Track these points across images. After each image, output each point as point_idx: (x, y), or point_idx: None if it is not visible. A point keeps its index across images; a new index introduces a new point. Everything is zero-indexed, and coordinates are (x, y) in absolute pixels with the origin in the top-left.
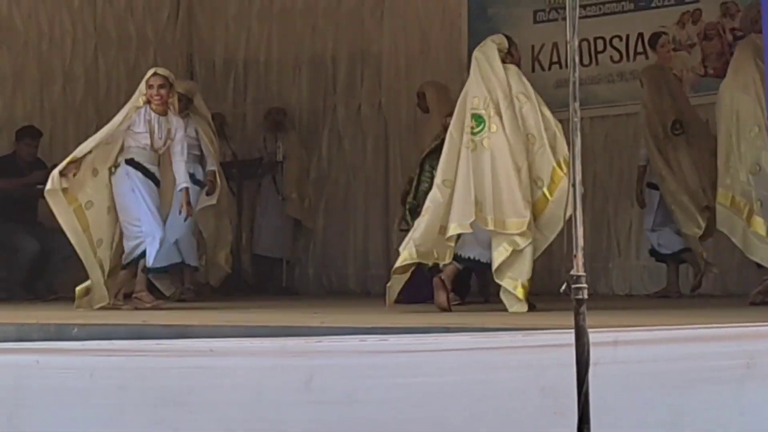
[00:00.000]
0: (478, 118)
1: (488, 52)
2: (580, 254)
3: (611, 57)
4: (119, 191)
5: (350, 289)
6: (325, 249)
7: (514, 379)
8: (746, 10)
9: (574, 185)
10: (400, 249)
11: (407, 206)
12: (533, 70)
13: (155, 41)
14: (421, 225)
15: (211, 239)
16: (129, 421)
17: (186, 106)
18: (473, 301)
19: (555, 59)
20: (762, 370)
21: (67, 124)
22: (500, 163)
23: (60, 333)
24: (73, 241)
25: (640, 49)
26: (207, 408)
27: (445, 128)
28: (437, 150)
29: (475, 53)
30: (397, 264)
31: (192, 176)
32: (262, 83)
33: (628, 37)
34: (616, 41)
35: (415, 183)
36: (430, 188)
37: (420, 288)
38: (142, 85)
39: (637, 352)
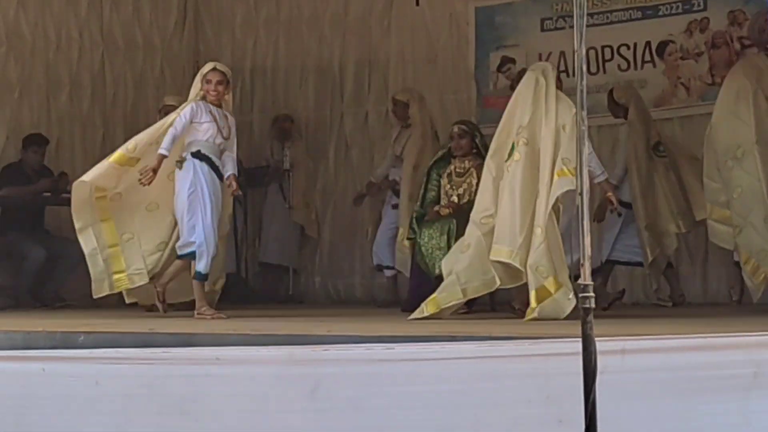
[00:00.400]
0: (512, 145)
1: (549, 79)
2: (587, 263)
3: (619, 65)
4: (182, 188)
5: (357, 298)
6: (331, 257)
7: (520, 388)
8: (754, 19)
9: (582, 194)
10: (438, 292)
11: (414, 215)
12: None
13: (162, 49)
14: (463, 261)
15: None
16: (135, 429)
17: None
18: (480, 309)
19: (562, 67)
20: None
21: (73, 132)
22: (515, 189)
23: (66, 341)
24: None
25: (647, 57)
26: (213, 416)
27: (452, 136)
28: (444, 158)
29: (537, 75)
30: (444, 306)
31: None
32: (269, 91)
33: (635, 45)
34: (623, 49)
35: (422, 192)
36: (437, 197)
37: (426, 297)
38: (198, 81)
39: (644, 360)
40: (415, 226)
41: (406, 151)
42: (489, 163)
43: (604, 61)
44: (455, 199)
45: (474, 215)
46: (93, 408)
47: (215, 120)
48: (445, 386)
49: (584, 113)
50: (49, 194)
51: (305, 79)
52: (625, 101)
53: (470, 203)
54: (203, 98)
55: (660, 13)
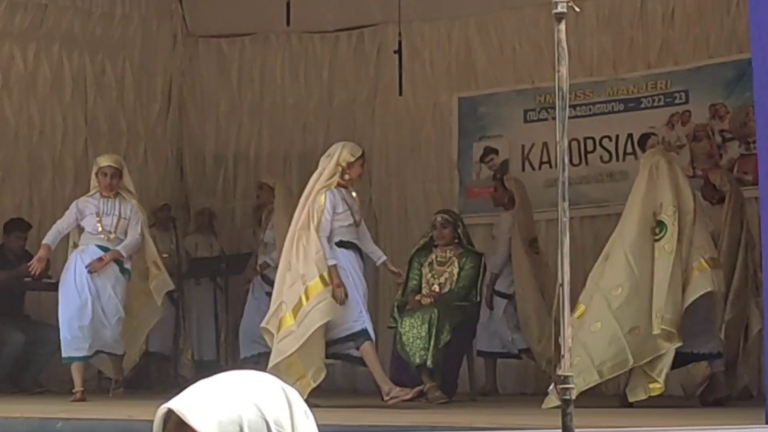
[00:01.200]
0: (661, 224)
1: (675, 164)
2: (567, 355)
3: (601, 157)
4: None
5: (337, 386)
6: None
7: None
8: (735, 112)
9: (562, 285)
10: (574, 374)
11: (395, 303)
12: (523, 170)
13: (146, 135)
14: (594, 340)
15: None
16: None
17: (117, 183)
18: (460, 399)
19: (545, 159)
20: None
21: (56, 217)
22: (669, 264)
23: (44, 427)
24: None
25: (629, 149)
26: None
27: (434, 226)
28: (425, 247)
29: (666, 157)
30: (581, 389)
31: (121, 264)
32: (252, 178)
33: (617, 137)
34: (605, 141)
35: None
36: (418, 285)
37: (405, 385)
38: (333, 164)
39: None
40: (396, 314)
41: (278, 235)
42: (626, 245)
43: (587, 152)
44: (437, 288)
45: (604, 289)
46: None
47: (350, 207)
48: None
49: (566, 204)
50: (29, 279)
51: (288, 166)
52: (512, 190)
53: (452, 292)
54: (337, 184)
55: (642, 105)
